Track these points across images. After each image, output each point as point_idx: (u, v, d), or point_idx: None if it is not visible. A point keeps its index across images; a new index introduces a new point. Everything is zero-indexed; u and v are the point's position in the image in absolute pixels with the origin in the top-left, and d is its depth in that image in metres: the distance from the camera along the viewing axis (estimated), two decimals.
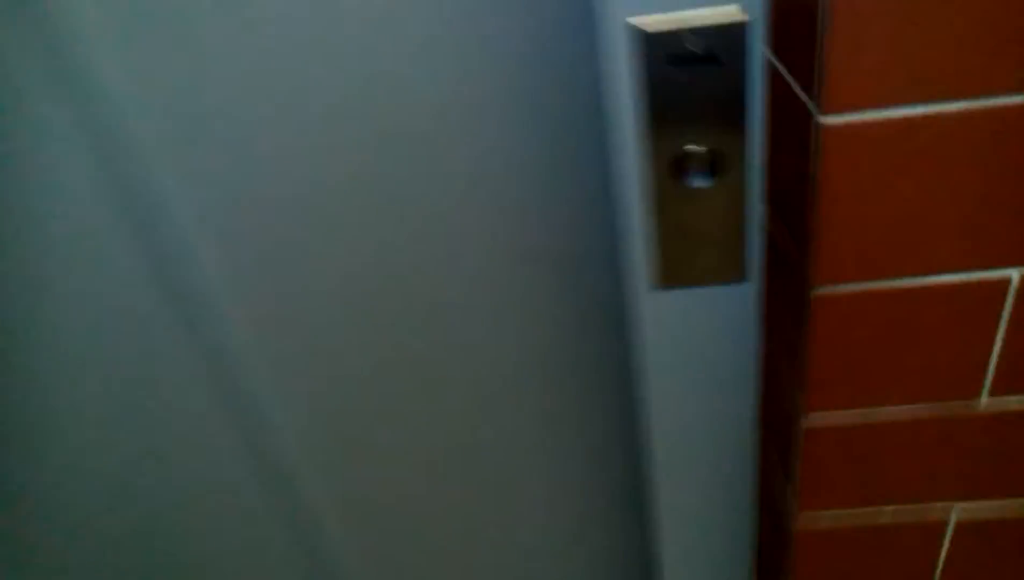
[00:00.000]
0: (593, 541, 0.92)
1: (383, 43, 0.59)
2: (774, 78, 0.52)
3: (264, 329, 0.73)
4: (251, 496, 0.85)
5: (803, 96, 0.46)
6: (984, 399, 0.55)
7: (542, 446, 0.83)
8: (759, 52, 0.52)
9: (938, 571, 0.67)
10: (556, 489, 0.87)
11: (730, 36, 0.51)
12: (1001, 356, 0.53)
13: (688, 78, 0.52)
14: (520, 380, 0.78)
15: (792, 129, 0.49)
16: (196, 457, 0.82)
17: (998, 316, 0.51)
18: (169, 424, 0.79)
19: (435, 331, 0.73)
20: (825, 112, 0.44)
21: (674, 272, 0.62)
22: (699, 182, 0.57)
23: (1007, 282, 0.50)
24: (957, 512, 0.63)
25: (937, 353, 0.53)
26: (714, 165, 0.56)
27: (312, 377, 0.76)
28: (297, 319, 0.72)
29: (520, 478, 0.86)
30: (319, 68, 0.59)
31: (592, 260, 0.69)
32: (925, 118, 0.43)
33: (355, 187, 0.65)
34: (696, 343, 0.65)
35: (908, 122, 0.44)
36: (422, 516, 0.89)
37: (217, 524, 0.88)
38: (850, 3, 0.40)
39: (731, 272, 0.61)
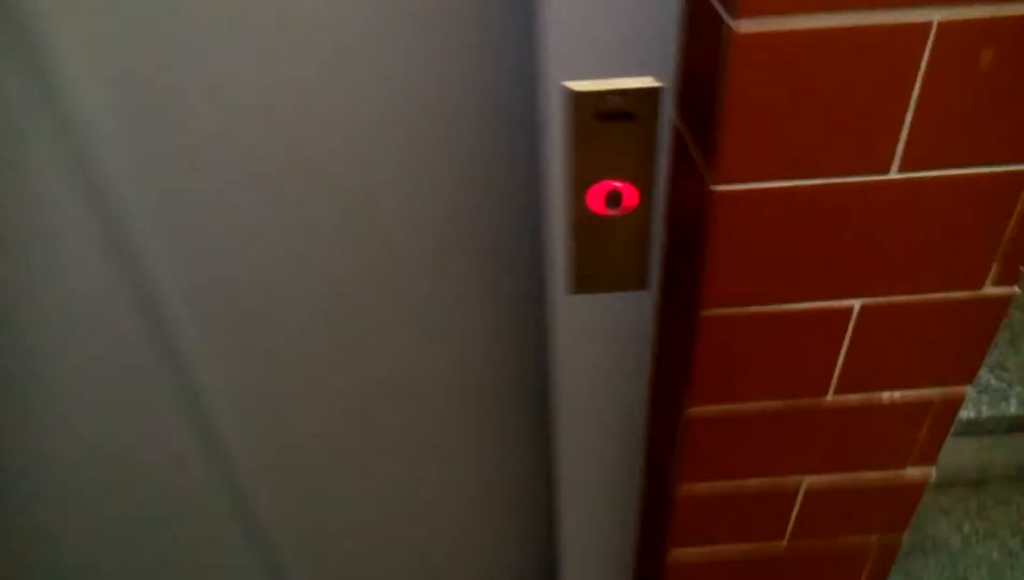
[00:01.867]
0: (501, 503, 1.03)
1: (347, 81, 0.66)
2: (677, 134, 0.62)
3: (200, 297, 0.80)
4: (192, 460, 0.92)
5: (699, 159, 0.56)
6: (830, 397, 0.69)
7: (459, 428, 0.94)
8: (668, 112, 0.62)
9: (789, 527, 0.82)
10: (470, 463, 0.98)
11: (646, 98, 0.60)
12: (843, 365, 0.66)
13: (610, 128, 0.62)
14: (446, 366, 0.88)
15: (689, 178, 0.60)
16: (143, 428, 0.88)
17: (841, 336, 0.64)
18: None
19: (372, 309, 0.82)
20: (715, 181, 0.54)
21: (586, 281, 0.72)
22: (612, 210, 0.67)
23: (849, 311, 0.62)
24: (807, 483, 0.77)
25: (796, 362, 0.66)
26: (625, 198, 0.66)
27: (246, 347, 0.84)
28: (231, 288, 0.79)
29: (440, 455, 0.96)
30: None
31: (518, 268, 0.79)
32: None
33: (305, 181, 0.72)
34: (601, 340, 0.76)
35: (771, 193, 0.55)
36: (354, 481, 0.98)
37: (160, 487, 0.95)
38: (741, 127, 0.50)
39: (633, 283, 0.72)
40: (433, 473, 0.99)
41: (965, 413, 1.10)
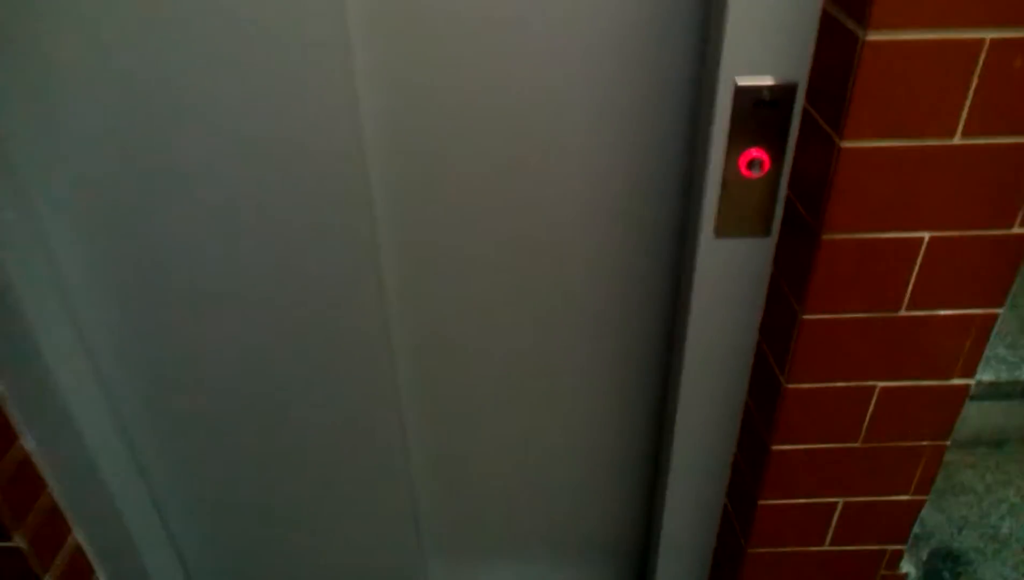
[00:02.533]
0: (621, 415, 1.31)
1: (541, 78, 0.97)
2: (805, 115, 0.92)
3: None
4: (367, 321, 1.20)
5: (829, 128, 0.87)
6: (903, 311, 0.97)
7: (597, 348, 1.22)
8: (800, 102, 0.92)
9: (864, 427, 1.09)
10: (605, 372, 1.26)
11: (787, 91, 0.91)
12: (913, 285, 0.95)
13: (759, 112, 0.92)
14: (599, 301, 1.17)
15: (817, 144, 0.90)
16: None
17: (914, 261, 0.93)
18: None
19: (537, 235, 1.11)
20: (844, 140, 0.84)
21: (727, 227, 1.01)
22: (753, 173, 0.97)
23: (921, 241, 0.91)
24: (880, 387, 1.05)
25: (881, 280, 0.94)
26: (763, 164, 0.96)
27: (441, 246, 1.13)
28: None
29: (578, 371, 1.25)
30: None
31: (671, 218, 1.08)
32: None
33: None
34: (733, 273, 1.05)
35: (886, 151, 0.85)
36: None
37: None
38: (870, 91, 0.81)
39: (761, 230, 1.02)
40: (570, 386, 1.27)
41: (987, 376, 1.38)
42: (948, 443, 1.12)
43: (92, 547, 1.35)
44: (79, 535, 1.33)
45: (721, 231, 1.01)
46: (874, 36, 0.78)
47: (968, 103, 0.82)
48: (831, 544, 1.24)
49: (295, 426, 1.30)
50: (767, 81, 0.90)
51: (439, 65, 0.98)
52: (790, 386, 1.05)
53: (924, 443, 1.11)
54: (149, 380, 1.25)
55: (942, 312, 0.98)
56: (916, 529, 1.32)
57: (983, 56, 0.79)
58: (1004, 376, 1.36)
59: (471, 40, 0.96)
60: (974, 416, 1.45)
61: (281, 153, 1.02)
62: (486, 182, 1.07)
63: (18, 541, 1.16)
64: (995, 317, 0.99)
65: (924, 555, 1.30)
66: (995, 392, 1.39)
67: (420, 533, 1.50)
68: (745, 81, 0.90)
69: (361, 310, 1.15)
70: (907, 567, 1.29)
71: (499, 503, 1.48)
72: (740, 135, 0.94)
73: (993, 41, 0.78)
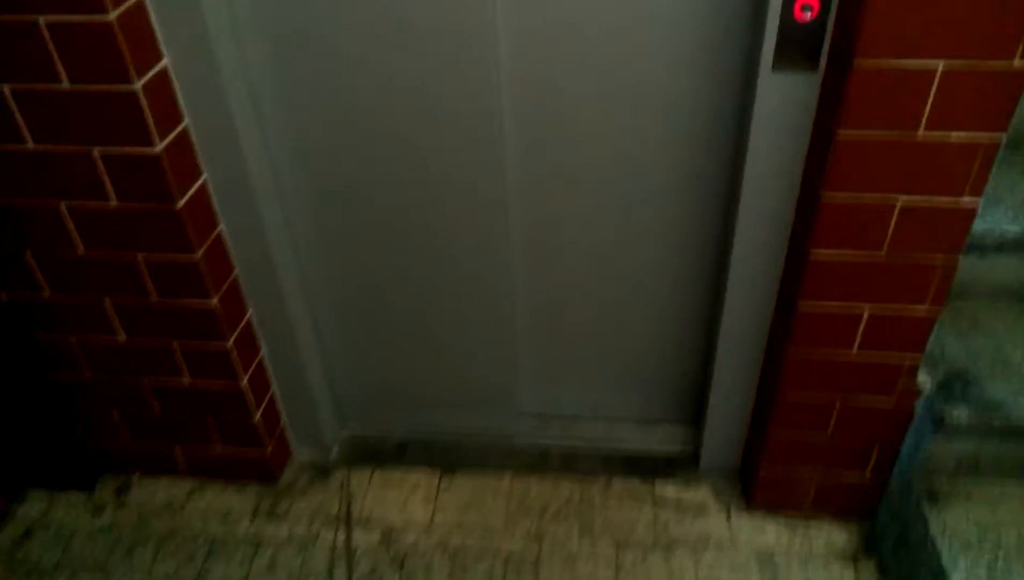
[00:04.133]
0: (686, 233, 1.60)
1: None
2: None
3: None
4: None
5: None
6: (920, 133, 1.22)
7: (672, 175, 1.50)
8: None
9: (887, 240, 1.34)
10: (672, 197, 1.54)
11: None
12: (930, 107, 1.19)
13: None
14: (667, 128, 1.45)
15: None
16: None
17: (929, 89, 1.17)
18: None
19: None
20: None
21: (782, 63, 1.27)
22: (804, 14, 1.22)
23: (935, 70, 1.15)
24: (901, 202, 1.29)
25: (901, 102, 1.19)
26: (813, 9, 1.21)
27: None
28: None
29: (648, 195, 1.53)
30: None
31: (737, 55, 1.35)
32: None
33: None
34: (787, 103, 1.31)
35: None
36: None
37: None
38: None
39: (810, 65, 1.27)
40: (640, 210, 1.56)
41: (1015, 228, 1.58)
42: (957, 258, 1.36)
43: (259, 323, 1.73)
44: (250, 311, 1.71)
45: (778, 66, 1.27)
46: None
47: None
48: (859, 350, 1.50)
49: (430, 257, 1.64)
50: None
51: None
52: (826, 200, 1.31)
53: (938, 257, 1.36)
54: (316, 193, 1.60)
55: (954, 134, 1.22)
56: (936, 353, 1.57)
57: None
58: None
59: None
60: (1002, 270, 1.67)
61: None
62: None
63: (198, 255, 1.51)
64: (998, 143, 1.23)
65: (940, 373, 1.54)
66: (1019, 246, 1.59)
67: (517, 354, 1.83)
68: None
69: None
70: (924, 379, 1.54)
71: (584, 338, 1.81)
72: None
73: None
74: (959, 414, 1.45)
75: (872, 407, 1.56)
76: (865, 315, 1.44)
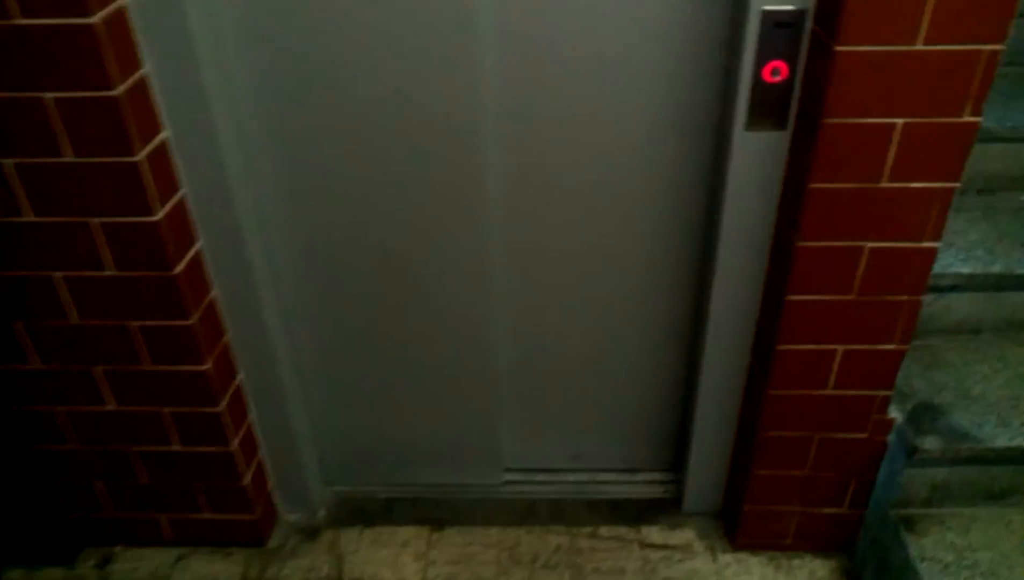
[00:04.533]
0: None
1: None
2: (813, 34, 1.28)
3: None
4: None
5: (827, 39, 1.23)
6: (883, 183, 1.33)
7: (644, 218, 1.59)
8: (809, 22, 1.28)
9: (857, 282, 1.44)
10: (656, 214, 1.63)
11: (800, 14, 1.27)
12: (892, 162, 1.30)
13: (779, 31, 1.29)
14: (641, 175, 1.54)
15: (821, 56, 1.26)
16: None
17: (888, 143, 1.28)
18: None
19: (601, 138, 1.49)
20: (838, 45, 1.20)
21: (754, 123, 1.37)
22: (774, 79, 1.33)
23: (893, 126, 1.27)
24: (868, 247, 1.40)
25: (863, 156, 1.30)
26: (782, 72, 1.32)
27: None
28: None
29: (625, 213, 1.62)
30: None
31: (710, 115, 1.45)
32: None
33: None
34: (760, 158, 1.41)
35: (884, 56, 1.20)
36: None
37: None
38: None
39: (779, 124, 1.38)
40: (621, 264, 1.64)
41: (966, 269, 1.70)
42: (921, 298, 1.47)
43: (249, 386, 1.74)
44: (240, 374, 1.72)
45: (750, 126, 1.38)
46: None
47: (926, 19, 1.18)
48: (833, 388, 1.59)
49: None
50: (785, 7, 1.27)
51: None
52: (800, 245, 1.41)
53: (903, 296, 1.46)
54: (308, 257, 1.64)
55: (913, 184, 1.33)
56: (904, 388, 1.67)
57: None
58: (979, 269, 1.69)
59: None
60: (956, 307, 1.79)
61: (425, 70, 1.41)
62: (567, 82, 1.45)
63: (193, 320, 1.52)
64: (953, 190, 1.34)
65: (909, 406, 1.64)
66: (973, 284, 1.72)
67: (500, 409, 1.87)
68: (768, 7, 1.27)
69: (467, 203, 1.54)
70: (894, 413, 1.63)
71: (565, 390, 1.86)
72: (764, 49, 1.30)
73: None
74: (930, 444, 1.54)
75: (848, 441, 1.64)
76: (838, 354, 1.53)
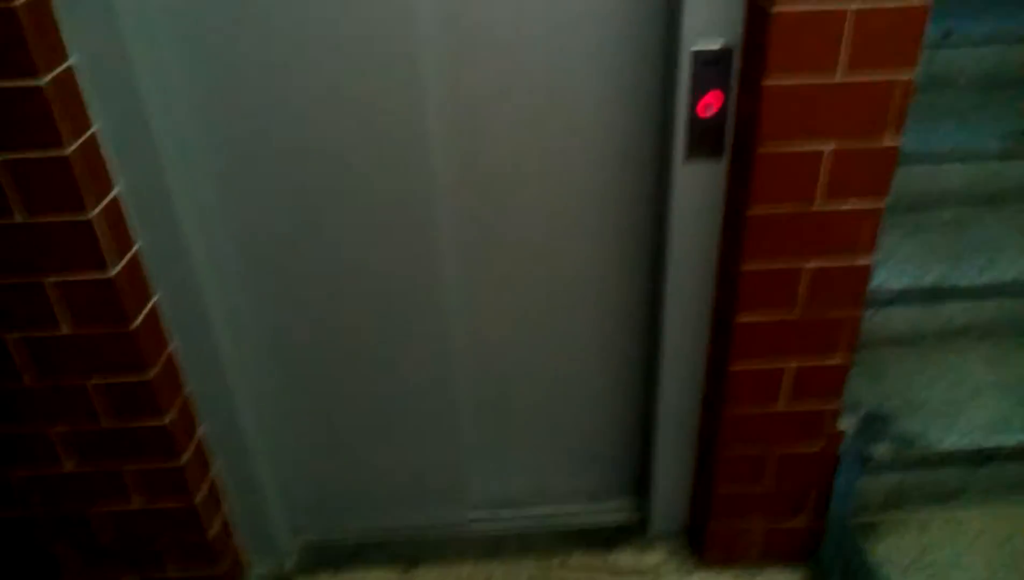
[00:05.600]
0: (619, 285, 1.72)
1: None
2: (741, 69, 1.35)
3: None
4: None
5: (755, 74, 1.30)
6: (816, 205, 1.40)
7: (595, 255, 1.64)
8: (736, 59, 1.36)
9: (799, 299, 1.50)
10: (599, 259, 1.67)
11: (727, 53, 1.34)
12: (822, 184, 1.37)
13: (709, 69, 1.35)
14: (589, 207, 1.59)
15: (749, 91, 1.33)
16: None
17: (818, 168, 1.35)
18: None
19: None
20: (765, 80, 1.27)
21: (692, 153, 1.44)
22: (708, 112, 1.40)
23: (821, 154, 1.34)
24: (808, 265, 1.46)
25: (796, 182, 1.37)
26: (714, 105, 1.39)
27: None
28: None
29: (576, 253, 1.67)
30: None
31: (650, 148, 1.51)
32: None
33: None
34: (699, 188, 1.47)
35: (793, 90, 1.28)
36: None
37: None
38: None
39: (716, 154, 1.44)
40: (570, 300, 1.68)
41: (902, 283, 1.78)
42: (861, 313, 1.54)
43: (211, 437, 1.74)
44: (202, 426, 1.72)
45: (688, 157, 1.44)
46: (779, 8, 1.22)
47: (844, 53, 1.26)
48: (786, 404, 1.64)
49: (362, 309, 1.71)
50: (714, 46, 1.34)
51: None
52: (744, 268, 1.47)
53: (845, 310, 1.53)
54: (268, 310, 1.66)
55: (845, 206, 1.40)
56: (853, 398, 1.73)
57: (848, 22, 1.23)
58: (913, 283, 1.77)
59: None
60: (897, 319, 1.87)
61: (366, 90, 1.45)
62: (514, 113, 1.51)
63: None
64: (882, 209, 1.42)
65: (859, 416, 1.70)
66: (909, 297, 1.79)
67: (463, 447, 1.89)
68: (698, 46, 1.33)
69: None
70: (846, 424, 1.70)
71: (527, 426, 1.89)
72: (697, 86, 1.37)
73: (852, 12, 1.22)
74: (881, 451, 1.60)
75: (804, 454, 1.70)
76: (788, 370, 1.59)
